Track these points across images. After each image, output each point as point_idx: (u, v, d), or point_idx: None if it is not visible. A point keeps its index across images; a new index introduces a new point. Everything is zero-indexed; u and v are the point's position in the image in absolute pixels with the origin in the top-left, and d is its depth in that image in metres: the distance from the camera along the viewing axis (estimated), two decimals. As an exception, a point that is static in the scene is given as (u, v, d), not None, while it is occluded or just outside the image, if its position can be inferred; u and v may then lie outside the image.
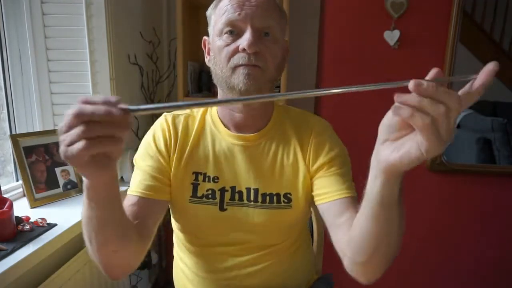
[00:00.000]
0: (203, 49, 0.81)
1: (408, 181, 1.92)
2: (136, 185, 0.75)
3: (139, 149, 0.81)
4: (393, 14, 1.61)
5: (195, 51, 1.69)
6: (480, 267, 1.83)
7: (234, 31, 0.71)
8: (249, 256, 0.81)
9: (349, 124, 1.74)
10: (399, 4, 1.61)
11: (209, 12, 0.78)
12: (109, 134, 0.43)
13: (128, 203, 0.72)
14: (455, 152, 1.78)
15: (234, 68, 0.70)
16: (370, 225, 0.56)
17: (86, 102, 0.43)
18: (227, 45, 0.71)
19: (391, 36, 1.63)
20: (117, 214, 0.59)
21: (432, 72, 0.43)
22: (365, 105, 1.71)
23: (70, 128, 0.42)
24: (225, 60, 0.71)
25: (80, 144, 0.42)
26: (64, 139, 0.43)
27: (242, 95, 0.70)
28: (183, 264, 0.87)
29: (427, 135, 0.41)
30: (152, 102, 1.72)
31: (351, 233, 0.63)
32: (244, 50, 0.69)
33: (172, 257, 0.93)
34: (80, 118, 0.42)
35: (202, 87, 1.68)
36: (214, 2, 0.77)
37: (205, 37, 0.81)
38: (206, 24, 0.79)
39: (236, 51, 0.70)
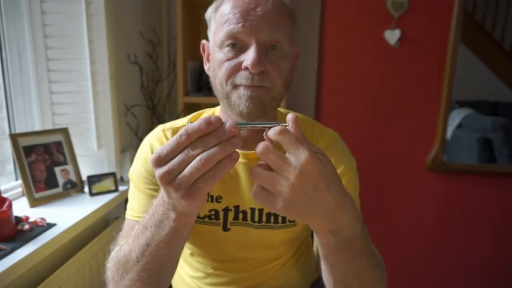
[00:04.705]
0: (202, 53, 0.74)
1: (408, 181, 1.92)
2: (143, 209, 0.69)
3: (136, 164, 0.75)
4: (394, 13, 1.61)
5: (195, 51, 1.68)
6: (480, 267, 1.83)
7: (237, 45, 0.63)
8: (252, 272, 0.79)
9: (349, 125, 1.73)
10: (400, 3, 1.60)
11: (208, 15, 0.70)
12: (224, 150, 0.42)
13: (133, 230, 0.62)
14: (455, 152, 1.78)
15: (235, 86, 0.64)
16: (323, 265, 0.56)
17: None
18: (228, 59, 0.63)
19: (392, 36, 1.63)
20: (182, 248, 0.58)
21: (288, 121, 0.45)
22: (366, 106, 1.71)
23: (176, 156, 0.43)
24: (225, 77, 0.64)
25: (208, 178, 0.42)
26: (172, 169, 0.43)
27: (244, 117, 0.65)
28: (182, 271, 0.86)
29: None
30: (152, 101, 1.72)
31: None
32: (247, 69, 0.61)
33: None
34: (187, 139, 0.42)
35: (202, 86, 1.67)
36: (214, 4, 0.68)
37: (203, 41, 0.74)
38: (206, 24, 0.72)
39: (238, 68, 0.63)
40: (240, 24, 0.61)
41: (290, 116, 0.45)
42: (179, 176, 0.43)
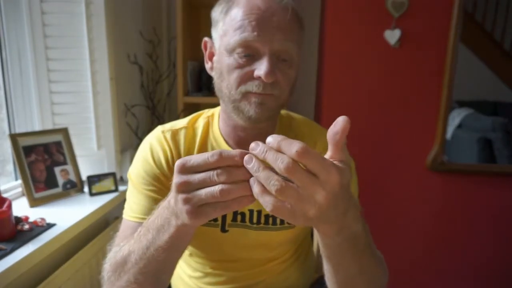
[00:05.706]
0: (203, 51, 0.73)
1: (408, 181, 1.92)
2: (141, 210, 0.69)
3: (135, 164, 0.75)
4: (394, 13, 1.61)
5: (195, 51, 1.69)
6: (480, 267, 1.83)
7: (249, 53, 0.63)
8: (250, 271, 0.79)
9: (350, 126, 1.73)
10: (400, 3, 1.60)
11: (216, 15, 0.68)
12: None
13: (131, 230, 0.63)
14: (455, 152, 1.78)
15: (246, 93, 0.64)
16: (326, 267, 0.56)
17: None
18: (240, 67, 0.63)
19: (392, 36, 1.63)
20: (181, 255, 0.59)
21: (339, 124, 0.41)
22: (365, 106, 1.71)
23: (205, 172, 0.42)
24: (235, 83, 0.64)
25: (219, 207, 0.42)
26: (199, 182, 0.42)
27: (251, 122, 0.66)
28: (181, 271, 0.86)
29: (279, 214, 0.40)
30: (152, 101, 1.72)
31: None
32: (259, 78, 0.62)
33: None
34: (216, 162, 0.42)
35: (202, 86, 1.67)
36: (224, 5, 0.66)
37: (206, 39, 0.72)
38: (206, 24, 0.71)
39: (249, 76, 0.63)
40: (255, 33, 0.61)
41: (341, 121, 0.42)
42: (194, 193, 0.43)
